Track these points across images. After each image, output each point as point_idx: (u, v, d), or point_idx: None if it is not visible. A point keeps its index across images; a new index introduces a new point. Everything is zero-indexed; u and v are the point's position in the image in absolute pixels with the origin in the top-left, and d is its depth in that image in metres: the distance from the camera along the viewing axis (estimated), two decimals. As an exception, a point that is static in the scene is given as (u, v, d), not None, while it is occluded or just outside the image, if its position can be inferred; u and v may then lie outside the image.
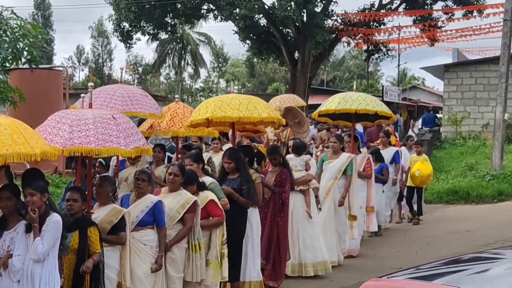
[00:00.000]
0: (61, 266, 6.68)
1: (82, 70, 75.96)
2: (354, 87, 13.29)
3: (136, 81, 71.93)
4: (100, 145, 6.70)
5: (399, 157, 15.27)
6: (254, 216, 9.60)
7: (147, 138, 12.44)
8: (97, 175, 10.14)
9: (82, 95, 8.87)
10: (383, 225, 14.94)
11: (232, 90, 10.63)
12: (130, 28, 36.70)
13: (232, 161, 9.35)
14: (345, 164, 11.70)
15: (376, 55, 39.34)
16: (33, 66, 16.19)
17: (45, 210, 6.47)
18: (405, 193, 16.12)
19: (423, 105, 46.13)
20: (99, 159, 10.91)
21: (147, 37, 39.78)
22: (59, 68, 27.14)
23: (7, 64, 16.42)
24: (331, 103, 11.75)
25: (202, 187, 8.60)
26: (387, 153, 14.91)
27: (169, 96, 62.37)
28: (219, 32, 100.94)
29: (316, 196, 11.39)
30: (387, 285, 4.69)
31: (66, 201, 7.11)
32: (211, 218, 8.48)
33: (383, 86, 43.38)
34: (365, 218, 12.75)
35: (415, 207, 16.19)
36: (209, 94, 69.34)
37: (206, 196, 8.50)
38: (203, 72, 72.84)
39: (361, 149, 13.68)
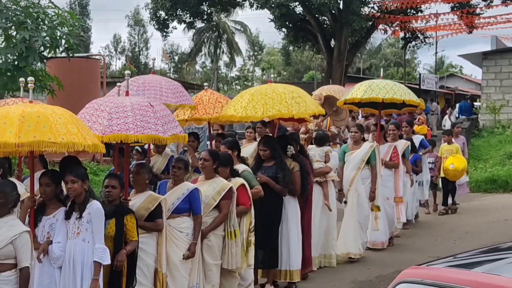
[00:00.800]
0: None
1: (119, 59, 76.62)
2: (381, 74, 12.96)
3: (172, 69, 72.34)
4: (139, 132, 6.73)
5: (426, 142, 15.01)
6: (292, 205, 9.58)
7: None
8: (135, 162, 10.27)
9: (118, 84, 8.91)
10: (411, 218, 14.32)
11: (269, 79, 10.48)
12: (166, 17, 36.88)
13: (267, 149, 9.33)
14: (368, 153, 11.29)
15: (413, 43, 39.04)
16: (71, 55, 16.36)
17: (85, 197, 6.51)
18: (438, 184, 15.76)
19: (461, 93, 45.69)
20: (136, 147, 10.99)
21: (183, 25, 39.92)
22: (96, 57, 27.37)
23: (45, 53, 16.61)
24: (357, 91, 11.38)
25: (235, 174, 8.60)
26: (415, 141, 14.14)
27: (204, 84, 62.63)
28: (255, 21, 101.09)
29: (340, 190, 11.24)
30: (426, 273, 4.64)
31: (104, 187, 7.16)
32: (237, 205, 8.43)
33: (420, 74, 43.00)
34: (394, 209, 12.19)
35: (449, 201, 15.84)
36: (245, 82, 69.48)
37: (237, 181, 8.46)
38: (238, 61, 73.03)
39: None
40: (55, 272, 6.43)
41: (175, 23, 38.39)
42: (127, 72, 7.92)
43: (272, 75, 18.18)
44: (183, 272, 7.70)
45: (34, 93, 15.97)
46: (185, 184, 7.89)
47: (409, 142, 12.89)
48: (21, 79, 7.48)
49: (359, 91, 11.33)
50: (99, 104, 7.08)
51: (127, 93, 7.55)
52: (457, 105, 33.21)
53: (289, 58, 63.31)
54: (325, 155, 10.77)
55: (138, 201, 7.41)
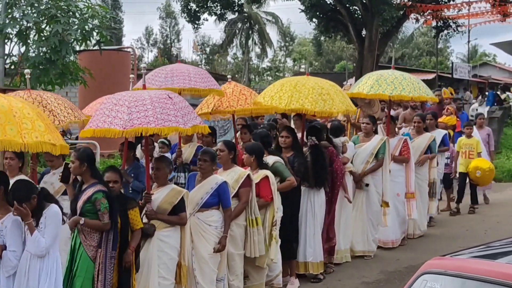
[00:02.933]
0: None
1: (151, 51, 76.88)
2: (393, 64, 12.33)
3: (203, 61, 72.42)
4: (160, 125, 6.73)
5: (447, 140, 13.74)
6: (317, 197, 9.57)
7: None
8: (157, 156, 10.38)
9: (131, 75, 8.95)
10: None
11: (307, 72, 10.36)
12: (197, 9, 36.86)
13: (290, 136, 9.38)
14: (377, 146, 10.96)
15: (446, 32, 38.55)
16: (102, 47, 16.47)
17: (38, 205, 6.32)
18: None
19: (494, 82, 45.15)
20: (161, 139, 11.07)
21: (214, 17, 39.90)
22: (128, 49, 27.52)
23: (77, 46, 16.73)
24: (364, 85, 11.02)
25: (263, 166, 8.61)
26: (424, 139, 12.48)
27: (236, 76, 62.65)
28: (286, 11, 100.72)
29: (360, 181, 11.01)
30: (450, 264, 4.63)
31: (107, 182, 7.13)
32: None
33: (452, 63, 42.51)
34: (405, 206, 11.75)
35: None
36: (276, 73, 69.33)
37: (261, 173, 8.50)
38: (270, 52, 72.80)
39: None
40: (4, 281, 6.26)
41: (206, 15, 38.40)
42: (143, 65, 7.88)
43: (303, 66, 18.11)
44: (211, 266, 7.76)
45: (67, 85, 16.19)
46: (213, 177, 7.91)
47: (434, 135, 12.44)
48: (26, 70, 7.47)
49: (366, 85, 10.99)
50: (117, 98, 7.07)
51: (144, 87, 7.57)
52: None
53: (320, 49, 62.97)
54: (342, 146, 10.57)
55: (161, 195, 7.45)
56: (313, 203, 9.51)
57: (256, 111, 11.02)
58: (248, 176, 8.20)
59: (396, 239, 11.62)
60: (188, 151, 10.53)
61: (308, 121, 11.41)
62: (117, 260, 6.84)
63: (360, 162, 10.95)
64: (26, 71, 8.86)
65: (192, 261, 7.71)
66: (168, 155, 10.73)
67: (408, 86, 10.76)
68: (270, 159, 8.92)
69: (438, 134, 13.16)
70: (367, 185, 10.90)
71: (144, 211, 7.40)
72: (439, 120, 15.37)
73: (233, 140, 10.78)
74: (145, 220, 7.40)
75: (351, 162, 10.88)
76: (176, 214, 7.42)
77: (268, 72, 72.97)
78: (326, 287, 9.38)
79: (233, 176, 8.17)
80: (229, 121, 14.79)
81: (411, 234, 12.20)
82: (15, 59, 16.88)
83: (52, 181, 8.45)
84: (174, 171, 10.12)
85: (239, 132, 11.19)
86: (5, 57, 16.17)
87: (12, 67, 16.53)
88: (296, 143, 9.41)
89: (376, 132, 11.53)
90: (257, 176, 8.46)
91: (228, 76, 11.79)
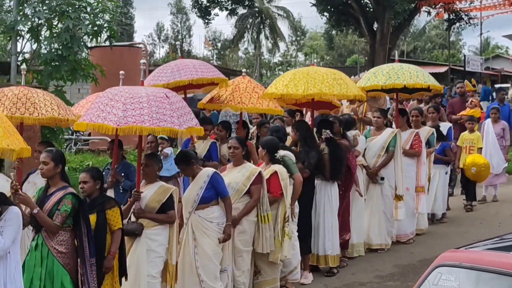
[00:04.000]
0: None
1: (162, 47, 77.00)
2: (396, 57, 12.11)
3: (215, 56, 72.45)
4: (155, 124, 6.58)
5: (451, 133, 13.47)
6: (330, 190, 9.56)
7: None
8: (161, 151, 10.33)
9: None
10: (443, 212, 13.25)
11: (312, 63, 10.46)
12: (208, 4, 36.94)
13: (293, 131, 9.45)
14: (388, 139, 10.88)
15: (458, 24, 38.42)
16: (113, 43, 16.49)
17: None
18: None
19: (507, 75, 44.97)
20: (161, 135, 10.98)
21: (225, 12, 39.95)
22: (139, 45, 27.57)
23: (88, 42, 16.75)
24: (363, 79, 11.06)
25: (276, 161, 8.58)
26: (423, 133, 12.03)
27: (247, 71, 62.62)
28: (297, 5, 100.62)
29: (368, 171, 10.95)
30: (464, 256, 4.60)
31: (79, 183, 7.07)
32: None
33: (465, 56, 42.43)
34: (415, 200, 11.52)
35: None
36: (288, 68, 69.16)
37: (272, 168, 8.48)
38: (281, 46, 72.76)
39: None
40: None
41: (217, 10, 38.46)
42: (142, 61, 7.78)
43: (315, 60, 18.05)
44: (216, 263, 7.73)
45: (78, 81, 16.24)
46: (204, 171, 7.84)
47: (433, 129, 12.14)
48: (23, 66, 7.34)
49: (364, 78, 11.02)
50: (113, 94, 6.92)
51: (142, 83, 7.43)
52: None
53: (332, 43, 62.97)
54: (353, 139, 10.50)
55: (149, 193, 7.36)
56: (330, 196, 9.51)
57: (267, 111, 11.04)
58: (260, 173, 8.17)
59: (412, 232, 11.57)
60: (202, 147, 10.42)
61: (320, 115, 11.42)
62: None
63: (371, 155, 10.91)
64: (23, 67, 8.81)
65: (195, 259, 7.66)
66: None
67: (403, 75, 10.67)
68: (279, 153, 8.85)
69: (444, 127, 13.05)
70: (382, 178, 10.86)
71: (132, 210, 7.30)
72: (463, 113, 15.18)
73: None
74: (133, 218, 7.31)
75: (363, 156, 10.83)
76: (164, 212, 7.33)
77: (280, 67, 72.86)
78: (340, 281, 9.36)
79: (244, 173, 8.15)
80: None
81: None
82: (27, 56, 16.94)
83: (35, 181, 8.28)
84: None
85: (253, 127, 11.17)
86: (17, 54, 16.23)
87: (25, 64, 16.58)
88: (302, 137, 9.37)
89: (387, 125, 11.43)
90: (267, 171, 8.45)
91: (243, 70, 11.70)
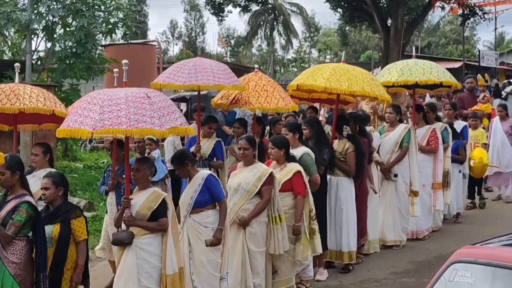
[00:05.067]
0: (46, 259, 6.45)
1: (176, 44, 77.16)
2: (413, 53, 12.09)
3: (228, 53, 72.51)
4: (132, 126, 6.28)
5: (467, 133, 13.17)
6: (346, 186, 9.55)
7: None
8: (150, 153, 10.01)
9: (115, 70, 8.66)
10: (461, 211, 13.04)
11: (343, 59, 10.39)
12: (221, 1, 36.92)
13: (306, 128, 9.31)
14: (402, 135, 10.82)
15: (472, 19, 38.23)
16: (128, 39, 16.57)
17: None
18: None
19: (522, 69, 44.71)
20: (149, 136, 10.76)
21: (238, 9, 39.92)
22: (153, 43, 27.64)
23: (103, 39, 16.83)
24: (378, 75, 11.03)
25: (291, 159, 8.46)
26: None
27: (261, 67, 62.65)
28: (310, 2, 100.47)
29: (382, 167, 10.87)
30: (480, 252, 4.58)
31: (41, 189, 6.87)
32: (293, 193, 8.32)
33: (479, 51, 42.21)
34: (431, 197, 11.49)
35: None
36: (301, 64, 69.18)
37: (292, 167, 8.32)
38: (294, 43, 72.73)
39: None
40: None
41: (230, 7, 38.44)
42: (124, 61, 7.41)
43: (328, 57, 17.96)
44: (210, 269, 7.39)
45: (93, 79, 16.28)
46: (199, 174, 7.54)
47: (445, 125, 11.95)
48: (16, 64, 7.24)
49: (379, 75, 10.97)
50: (92, 97, 6.67)
51: (125, 84, 7.08)
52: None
53: (346, 39, 62.87)
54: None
55: (140, 199, 7.00)
56: (348, 192, 9.51)
57: (275, 110, 10.89)
58: (271, 173, 7.98)
59: (428, 228, 11.51)
60: (206, 145, 10.35)
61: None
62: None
63: (385, 152, 10.86)
64: (16, 64, 8.80)
65: (189, 265, 7.37)
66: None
67: (416, 71, 10.63)
68: (299, 151, 8.80)
69: (458, 125, 12.75)
70: (395, 175, 10.80)
71: (122, 217, 6.95)
72: (475, 108, 15.00)
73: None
74: (123, 227, 6.95)
75: (377, 152, 10.81)
76: (156, 220, 6.93)
77: (293, 63, 72.86)
78: (355, 277, 9.35)
79: (255, 173, 7.96)
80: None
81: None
82: (41, 54, 17.02)
83: (30, 184, 7.92)
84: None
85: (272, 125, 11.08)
86: (32, 53, 16.31)
87: (39, 62, 16.68)
88: (314, 133, 9.30)
89: (401, 121, 11.34)
90: (287, 171, 8.30)
91: (256, 66, 11.56)
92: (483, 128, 14.65)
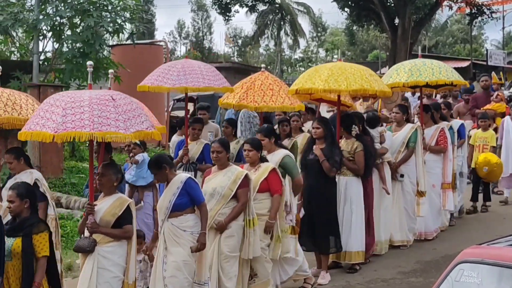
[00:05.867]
0: (5, 274, 6.25)
1: (183, 44, 77.19)
2: (419, 53, 12.10)
3: (235, 53, 72.51)
4: (96, 129, 6.13)
5: (464, 131, 12.99)
6: (355, 185, 9.54)
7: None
8: (132, 157, 9.79)
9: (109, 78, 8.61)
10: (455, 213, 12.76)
11: (339, 58, 10.36)
12: (228, 1, 36.93)
13: (320, 127, 9.20)
14: (408, 135, 10.83)
15: (480, 18, 38.12)
16: (135, 40, 16.58)
17: None
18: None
19: (531, 69, 44.50)
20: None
21: (245, 9, 39.93)
22: (160, 43, 27.66)
23: (110, 40, 16.85)
24: (385, 76, 11.02)
25: (264, 160, 8.33)
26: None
27: (268, 67, 62.60)
28: (317, 1, 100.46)
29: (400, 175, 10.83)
30: (487, 252, 4.58)
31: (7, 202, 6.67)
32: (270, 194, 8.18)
33: (487, 50, 42.04)
34: (441, 198, 11.43)
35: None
36: (309, 64, 69.07)
37: (267, 166, 8.20)
38: (302, 42, 72.62)
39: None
40: None
41: (237, 7, 38.45)
42: (89, 63, 7.23)
43: (336, 56, 17.98)
44: (185, 273, 7.19)
45: (100, 80, 16.32)
46: (178, 177, 7.38)
47: (450, 124, 11.97)
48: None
49: (386, 75, 10.95)
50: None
51: (90, 86, 6.96)
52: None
53: (353, 38, 62.72)
54: (380, 136, 10.46)
55: (105, 206, 6.83)
56: (357, 193, 9.51)
57: (281, 109, 10.82)
58: (246, 175, 7.80)
59: (436, 229, 11.44)
60: (195, 149, 10.17)
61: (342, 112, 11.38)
62: None
63: (392, 152, 10.81)
64: (111, 71, 8.81)
65: (162, 268, 7.21)
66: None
67: (425, 71, 10.60)
68: (279, 154, 8.70)
69: (455, 124, 12.54)
70: (402, 176, 10.77)
71: (86, 224, 6.78)
72: (488, 107, 14.86)
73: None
74: (86, 233, 6.78)
75: None
76: (120, 227, 6.76)
77: (301, 63, 72.75)
78: (362, 277, 9.35)
79: (230, 176, 7.78)
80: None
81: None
82: (49, 55, 17.05)
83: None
84: (181, 170, 9.73)
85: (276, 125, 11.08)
86: (39, 53, 16.35)
87: (46, 63, 16.71)
88: (327, 133, 9.23)
89: (407, 121, 11.30)
90: (264, 169, 8.15)
91: (262, 66, 11.47)
92: (495, 128, 14.48)
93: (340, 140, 9.69)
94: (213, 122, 12.30)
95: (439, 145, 11.35)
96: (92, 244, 6.68)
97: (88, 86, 6.91)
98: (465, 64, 41.09)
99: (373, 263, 10.01)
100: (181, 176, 7.45)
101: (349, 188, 9.51)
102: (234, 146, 10.01)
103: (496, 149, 13.80)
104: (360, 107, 13.11)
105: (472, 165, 13.54)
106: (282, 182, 8.24)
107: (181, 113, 21.53)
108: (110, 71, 9.15)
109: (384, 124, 11.74)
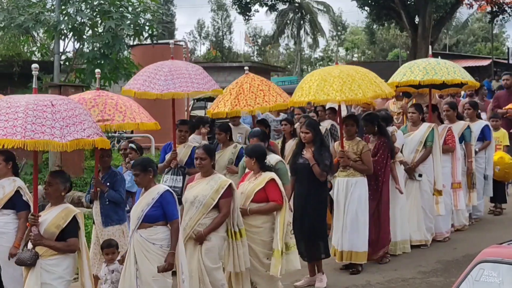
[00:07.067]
0: None
1: (203, 44, 77.40)
2: (430, 52, 11.99)
3: (255, 53, 72.56)
4: (27, 137, 5.79)
5: (489, 132, 12.65)
6: (359, 184, 9.39)
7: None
8: (130, 161, 9.63)
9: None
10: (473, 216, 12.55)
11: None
12: (248, 0, 37.00)
13: (309, 131, 8.92)
14: (425, 134, 10.74)
15: (501, 17, 37.90)
16: (155, 41, 16.65)
17: None
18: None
19: (552, 67, 44.15)
20: (131, 144, 10.44)
21: (265, 8, 39.99)
22: (180, 43, 27.71)
23: (130, 41, 16.94)
24: (398, 74, 10.88)
25: (266, 168, 8.08)
26: (474, 128, 12.11)
27: (288, 66, 62.61)
28: (337, 0, 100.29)
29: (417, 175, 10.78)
30: (506, 252, 4.56)
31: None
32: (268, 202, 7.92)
33: (508, 49, 41.83)
34: (452, 197, 11.33)
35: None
36: (328, 63, 68.99)
37: (266, 176, 7.93)
38: (321, 41, 72.55)
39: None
40: None
41: (257, 6, 38.52)
42: (34, 65, 6.91)
43: (355, 55, 17.90)
44: None
45: (120, 80, 16.42)
46: (155, 187, 7.08)
47: (467, 124, 11.87)
48: (34, 65, 7.09)
49: (399, 73, 10.86)
50: None
51: (35, 91, 6.64)
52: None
53: (373, 37, 62.57)
54: (391, 136, 10.34)
55: (49, 216, 6.52)
56: (361, 193, 9.40)
57: (275, 108, 10.66)
58: (230, 185, 7.48)
59: (447, 231, 11.31)
60: (183, 152, 9.85)
61: (363, 111, 11.37)
62: None
63: (409, 151, 10.78)
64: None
65: (136, 284, 6.88)
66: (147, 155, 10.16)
67: (441, 70, 10.53)
68: (271, 159, 8.56)
69: (478, 125, 12.44)
70: (420, 175, 10.72)
71: (29, 236, 6.48)
72: (509, 106, 14.66)
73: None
74: (29, 246, 6.46)
75: (401, 152, 10.73)
76: (64, 239, 6.45)
77: (321, 62, 72.66)
78: (382, 277, 9.32)
79: (212, 185, 7.47)
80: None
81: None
82: (69, 55, 17.16)
83: (3, 184, 7.85)
84: (169, 174, 9.62)
85: (297, 124, 11.04)
86: (60, 53, 16.46)
87: (67, 63, 16.83)
88: (316, 137, 8.94)
89: (424, 120, 11.19)
90: (262, 179, 7.92)
91: (245, 68, 11.10)
92: None
93: (343, 141, 9.48)
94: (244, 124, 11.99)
95: (447, 144, 11.26)
96: (34, 257, 6.36)
97: (33, 91, 6.57)
98: (486, 62, 40.84)
99: (393, 262, 9.98)
100: (160, 187, 7.12)
101: (357, 188, 9.36)
102: (232, 151, 9.93)
103: (510, 148, 13.59)
104: (393, 106, 13.05)
105: None
106: (282, 193, 7.96)
107: (201, 113, 21.59)
108: (97, 70, 9.06)
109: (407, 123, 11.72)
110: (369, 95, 9.09)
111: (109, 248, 7.76)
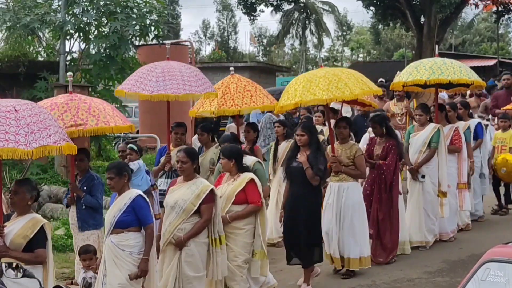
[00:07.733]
0: None
1: (208, 44, 77.43)
2: (437, 52, 11.92)
3: (260, 53, 72.58)
4: None
5: (481, 131, 12.71)
6: (353, 190, 9.22)
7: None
8: (129, 163, 9.47)
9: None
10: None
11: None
12: (253, 0, 37.03)
13: (305, 134, 8.69)
14: (430, 135, 10.62)
15: (506, 16, 37.87)
16: (160, 42, 16.69)
17: None
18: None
19: (558, 67, 44.08)
20: (130, 145, 10.32)
21: (270, 8, 40.03)
22: (185, 43, 27.75)
23: (136, 41, 16.97)
24: (404, 73, 10.85)
25: (244, 169, 8.01)
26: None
27: (293, 66, 62.60)
28: (342, 0, 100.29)
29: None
30: (513, 252, 4.57)
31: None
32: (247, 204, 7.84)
33: (514, 48, 41.76)
34: (457, 198, 11.27)
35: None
36: (334, 63, 69.01)
37: (245, 176, 7.85)
38: (327, 41, 72.53)
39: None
40: None
41: (262, 6, 38.56)
42: (69, 73, 6.91)
43: (361, 55, 17.88)
44: None
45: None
46: (128, 192, 6.93)
47: (468, 124, 11.86)
48: (69, 73, 6.92)
49: (405, 73, 10.81)
50: None
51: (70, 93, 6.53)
52: None
53: (378, 37, 62.54)
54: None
55: (16, 227, 6.22)
56: (357, 197, 9.25)
57: (262, 109, 10.67)
58: (212, 190, 7.32)
59: (454, 229, 11.29)
60: (175, 156, 9.36)
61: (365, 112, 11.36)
62: None
63: (413, 152, 10.72)
64: (69, 73, 8.70)
65: None
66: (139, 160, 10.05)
67: (447, 70, 10.45)
68: (249, 160, 8.52)
69: (472, 124, 12.33)
70: (423, 176, 10.62)
71: None
72: (508, 107, 14.61)
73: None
74: None
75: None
76: (32, 251, 6.16)
77: (326, 62, 72.62)
78: (388, 277, 9.32)
79: (194, 190, 7.28)
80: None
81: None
82: (75, 55, 17.20)
83: None
84: (163, 178, 9.60)
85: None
86: (66, 54, 16.49)
87: (73, 63, 16.87)
88: (312, 140, 8.75)
89: (431, 121, 11.08)
90: (241, 180, 7.84)
91: (231, 69, 10.97)
92: None
93: (334, 145, 9.32)
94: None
95: (453, 144, 11.21)
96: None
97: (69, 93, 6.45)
98: (491, 62, 40.78)
99: (399, 262, 9.97)
100: (132, 192, 6.95)
101: (350, 194, 9.17)
102: (214, 151, 9.80)
103: None
104: (395, 107, 13.02)
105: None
106: (261, 195, 7.89)
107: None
108: (69, 73, 8.93)
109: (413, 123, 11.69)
110: (356, 92, 8.88)
111: (86, 254, 7.62)
